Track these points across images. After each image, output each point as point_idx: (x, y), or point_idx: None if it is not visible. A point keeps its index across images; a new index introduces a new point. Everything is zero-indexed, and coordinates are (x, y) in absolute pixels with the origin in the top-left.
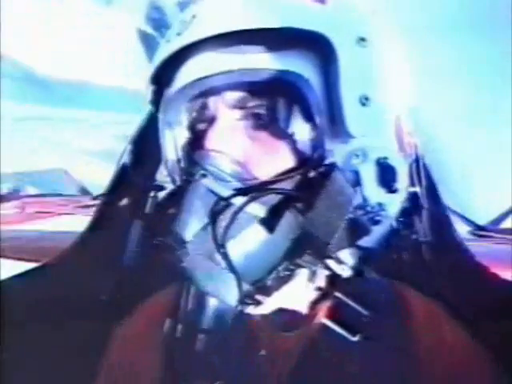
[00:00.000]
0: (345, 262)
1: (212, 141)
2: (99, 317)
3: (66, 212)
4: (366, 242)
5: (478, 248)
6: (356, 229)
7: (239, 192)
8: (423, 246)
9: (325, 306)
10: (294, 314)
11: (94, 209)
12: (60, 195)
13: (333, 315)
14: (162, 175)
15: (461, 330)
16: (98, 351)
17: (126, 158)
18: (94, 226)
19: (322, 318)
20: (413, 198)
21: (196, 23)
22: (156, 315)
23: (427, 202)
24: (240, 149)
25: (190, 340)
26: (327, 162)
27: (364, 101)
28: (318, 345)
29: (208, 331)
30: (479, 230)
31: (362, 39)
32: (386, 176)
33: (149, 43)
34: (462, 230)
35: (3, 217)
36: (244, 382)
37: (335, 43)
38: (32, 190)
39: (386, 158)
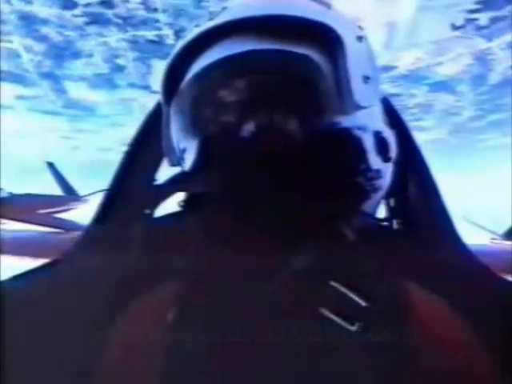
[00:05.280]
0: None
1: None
2: (100, 316)
3: (43, 222)
4: (366, 207)
5: (478, 248)
6: (358, 192)
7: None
8: (421, 244)
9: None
10: None
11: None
12: (40, 196)
13: (330, 304)
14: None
15: (462, 327)
16: (99, 351)
17: (126, 158)
18: (95, 226)
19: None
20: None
21: (227, 11)
22: (157, 307)
23: (420, 198)
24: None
25: (194, 331)
26: (337, 128)
27: (366, 80)
28: (316, 335)
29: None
30: (502, 239)
31: (360, 37)
32: (382, 146)
33: None
34: (484, 239)
35: None
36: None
37: (342, 36)
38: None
39: (380, 132)
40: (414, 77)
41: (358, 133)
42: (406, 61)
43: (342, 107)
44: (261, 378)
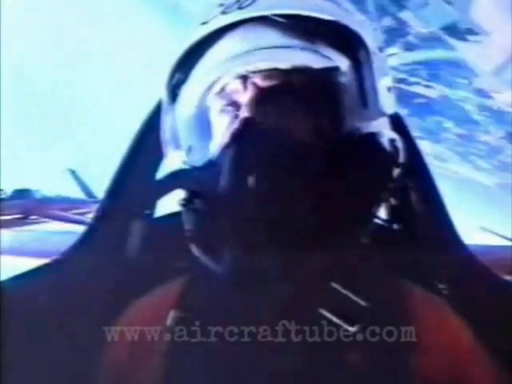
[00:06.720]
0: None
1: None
2: (100, 316)
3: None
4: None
5: (479, 248)
6: (375, 196)
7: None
8: (421, 244)
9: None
10: None
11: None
12: (65, 200)
13: (330, 305)
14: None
15: (462, 327)
16: (99, 350)
17: (126, 158)
18: (95, 226)
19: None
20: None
21: (257, 3)
22: (157, 307)
23: (421, 201)
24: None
25: (195, 332)
26: (362, 132)
27: (389, 88)
28: (315, 335)
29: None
30: None
31: (380, 48)
32: (395, 153)
33: None
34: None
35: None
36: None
37: (367, 44)
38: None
39: (394, 140)
40: (500, 117)
41: (378, 138)
42: (503, 97)
43: (366, 113)
44: (260, 378)
